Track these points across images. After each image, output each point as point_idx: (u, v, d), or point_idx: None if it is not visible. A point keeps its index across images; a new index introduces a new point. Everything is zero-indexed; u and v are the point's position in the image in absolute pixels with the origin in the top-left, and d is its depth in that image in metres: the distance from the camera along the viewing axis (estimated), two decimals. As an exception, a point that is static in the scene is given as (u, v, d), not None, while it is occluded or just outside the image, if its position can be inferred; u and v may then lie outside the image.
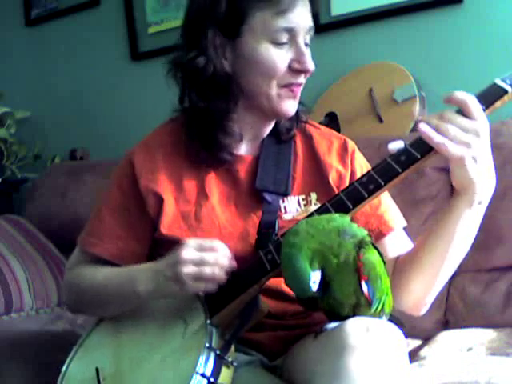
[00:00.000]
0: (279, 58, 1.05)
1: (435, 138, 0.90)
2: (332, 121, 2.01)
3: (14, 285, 1.91)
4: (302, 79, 1.09)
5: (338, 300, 0.91)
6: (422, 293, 1.06)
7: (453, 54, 1.97)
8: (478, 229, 1.01)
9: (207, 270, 0.94)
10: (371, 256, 0.89)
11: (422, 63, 1.99)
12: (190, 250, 0.95)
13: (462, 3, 1.94)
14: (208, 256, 0.95)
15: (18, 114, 2.72)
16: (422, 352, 1.37)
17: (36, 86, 2.85)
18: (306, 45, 1.09)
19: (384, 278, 0.91)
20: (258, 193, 1.11)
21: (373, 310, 0.90)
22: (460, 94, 0.92)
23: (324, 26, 2.13)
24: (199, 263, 0.94)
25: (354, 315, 0.90)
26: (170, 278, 0.96)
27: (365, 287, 0.88)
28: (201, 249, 0.95)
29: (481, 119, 0.92)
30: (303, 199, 1.13)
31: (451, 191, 1.66)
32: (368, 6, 2.07)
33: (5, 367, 1.29)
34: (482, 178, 0.93)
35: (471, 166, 0.91)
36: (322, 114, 2.04)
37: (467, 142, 0.90)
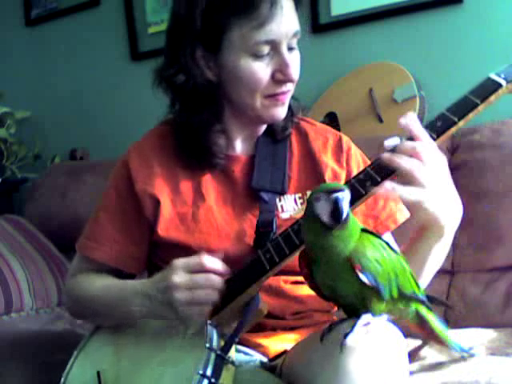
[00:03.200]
0: (261, 71, 1.03)
1: (399, 190, 0.89)
2: (332, 121, 2.01)
3: (14, 285, 1.90)
4: (287, 87, 1.07)
5: (349, 302, 0.90)
6: None
7: (453, 53, 1.97)
8: (449, 247, 1.04)
9: (200, 293, 0.93)
10: (358, 243, 0.86)
11: (422, 63, 1.99)
12: (179, 273, 0.94)
13: (461, 3, 1.94)
14: (199, 278, 0.93)
15: (18, 114, 2.72)
16: (422, 352, 1.37)
17: (36, 86, 2.85)
18: (292, 49, 1.06)
19: (384, 260, 0.87)
20: (254, 192, 1.11)
21: (387, 295, 0.87)
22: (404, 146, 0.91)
23: (324, 26, 2.12)
24: (191, 287, 0.93)
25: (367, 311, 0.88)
26: (162, 303, 0.96)
27: (363, 276, 0.85)
28: (190, 269, 0.94)
29: (434, 156, 0.91)
30: (300, 198, 1.13)
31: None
32: (368, 6, 2.07)
33: (5, 367, 1.28)
34: (445, 210, 0.94)
35: (431, 205, 0.91)
36: (322, 113, 2.04)
37: (422, 184, 0.90)
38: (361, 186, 0.93)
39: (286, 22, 1.03)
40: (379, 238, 0.90)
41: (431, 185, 0.90)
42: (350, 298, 0.89)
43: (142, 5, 2.55)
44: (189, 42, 1.05)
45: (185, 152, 1.13)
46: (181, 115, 1.11)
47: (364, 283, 0.85)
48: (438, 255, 1.03)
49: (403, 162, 0.90)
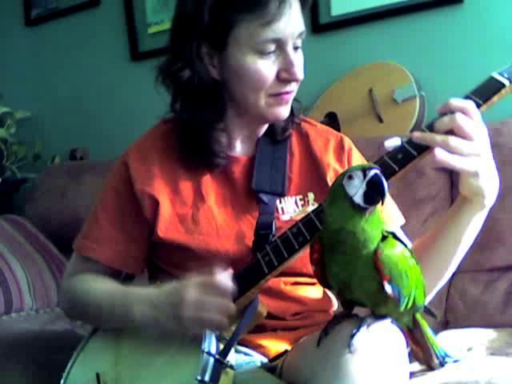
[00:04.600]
0: (266, 69, 1.03)
1: (451, 161, 0.89)
2: (332, 121, 2.01)
3: (14, 285, 1.91)
4: (292, 87, 1.07)
5: (358, 299, 0.89)
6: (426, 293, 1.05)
7: (453, 53, 1.97)
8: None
9: (208, 316, 0.92)
10: (391, 252, 0.84)
11: (422, 63, 1.99)
12: (192, 291, 0.93)
13: (461, 3, 1.94)
14: (211, 302, 0.92)
15: (18, 114, 2.73)
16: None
17: (36, 85, 2.85)
18: (297, 48, 1.06)
19: (410, 271, 0.86)
20: (254, 194, 1.11)
21: (402, 308, 0.86)
22: (456, 102, 0.91)
23: (324, 26, 2.12)
24: (201, 308, 0.92)
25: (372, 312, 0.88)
26: (169, 316, 0.95)
27: (388, 288, 0.83)
28: (203, 289, 0.93)
29: (481, 124, 0.91)
30: (300, 199, 1.13)
31: (451, 193, 1.66)
32: (368, 6, 2.07)
33: (5, 367, 1.28)
34: (490, 183, 0.94)
35: (483, 175, 0.92)
36: (322, 113, 2.04)
37: (478, 153, 0.90)
38: (393, 162, 0.92)
39: (293, 22, 1.03)
40: (403, 243, 0.88)
41: (485, 152, 0.91)
42: (361, 297, 0.88)
43: (142, 5, 2.55)
44: (195, 37, 1.04)
45: (186, 151, 1.12)
46: (183, 112, 1.10)
47: (386, 292, 0.84)
48: (472, 232, 1.01)
49: (462, 121, 0.89)
